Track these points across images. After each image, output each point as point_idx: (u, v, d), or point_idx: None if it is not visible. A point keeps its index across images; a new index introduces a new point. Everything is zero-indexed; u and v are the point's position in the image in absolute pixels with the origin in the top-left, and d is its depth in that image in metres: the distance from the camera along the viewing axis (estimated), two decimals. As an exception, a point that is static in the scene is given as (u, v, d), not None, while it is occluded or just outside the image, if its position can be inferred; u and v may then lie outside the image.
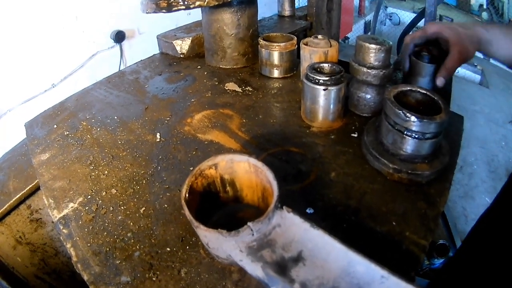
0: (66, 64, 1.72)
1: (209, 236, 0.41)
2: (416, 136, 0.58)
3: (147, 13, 0.80)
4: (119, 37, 1.87)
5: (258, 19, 1.20)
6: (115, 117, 0.85)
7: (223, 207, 0.54)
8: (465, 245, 0.92)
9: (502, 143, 2.33)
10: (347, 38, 3.81)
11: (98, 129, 0.82)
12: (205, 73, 1.03)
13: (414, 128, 0.58)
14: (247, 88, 0.93)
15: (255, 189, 0.50)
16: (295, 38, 0.95)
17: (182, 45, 1.10)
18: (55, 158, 0.75)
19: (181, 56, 1.13)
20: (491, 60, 2.82)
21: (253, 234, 0.37)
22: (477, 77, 2.91)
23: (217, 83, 0.97)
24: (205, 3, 0.77)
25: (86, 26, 1.73)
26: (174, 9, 0.75)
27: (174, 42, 1.10)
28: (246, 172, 0.49)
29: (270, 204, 0.39)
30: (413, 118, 0.57)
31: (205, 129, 0.79)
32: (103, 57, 1.87)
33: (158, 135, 0.77)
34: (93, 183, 0.67)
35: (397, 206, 0.58)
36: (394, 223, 0.55)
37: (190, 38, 1.11)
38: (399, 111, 0.58)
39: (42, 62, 1.61)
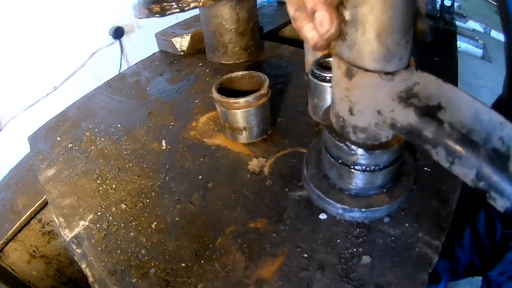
0: (66, 65, 1.70)
1: (364, 86, 0.42)
2: (367, 169, 0.49)
3: (139, 18, 0.77)
4: (118, 33, 1.85)
5: (258, 6, 1.16)
6: (119, 125, 0.84)
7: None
8: None
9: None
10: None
11: (102, 139, 0.80)
12: (207, 70, 1.01)
13: (363, 162, 0.49)
14: (251, 85, 0.90)
15: None
16: (267, 80, 0.69)
17: (182, 42, 1.07)
18: (61, 173, 0.74)
19: (181, 53, 1.10)
20: (492, 34, 2.74)
21: (406, 80, 0.40)
22: (479, 52, 2.82)
23: (220, 81, 0.95)
24: (200, 3, 0.74)
25: (83, 25, 1.70)
26: (168, 13, 0.73)
27: (173, 39, 1.07)
28: None
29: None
30: (360, 151, 0.47)
31: (211, 132, 0.77)
32: (103, 54, 1.85)
33: (163, 143, 0.76)
34: (101, 199, 0.66)
35: (409, 206, 0.56)
36: (407, 224, 0.54)
37: (189, 34, 1.07)
38: (341, 144, 0.49)
39: (42, 66, 1.59)
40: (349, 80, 0.42)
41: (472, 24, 2.90)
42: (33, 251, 0.87)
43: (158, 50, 1.16)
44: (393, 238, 0.52)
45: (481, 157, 0.35)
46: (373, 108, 0.43)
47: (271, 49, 1.07)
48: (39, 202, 0.80)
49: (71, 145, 0.81)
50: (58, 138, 0.84)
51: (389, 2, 0.35)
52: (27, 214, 0.79)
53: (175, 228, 0.59)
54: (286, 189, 0.62)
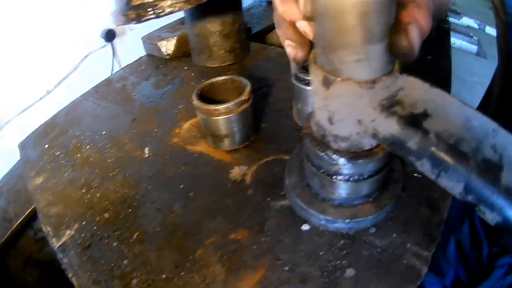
0: (58, 69, 1.69)
1: (342, 95, 0.40)
2: (351, 179, 0.47)
3: (117, 25, 0.77)
4: (110, 35, 1.83)
5: (247, 7, 1.15)
6: (103, 132, 0.84)
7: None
8: None
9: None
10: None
11: (88, 147, 0.81)
12: (192, 74, 1.00)
13: (346, 171, 0.46)
14: (236, 88, 0.90)
15: None
16: (248, 85, 0.68)
17: (168, 46, 1.07)
18: (48, 181, 0.74)
19: (167, 57, 1.09)
20: (486, 30, 2.70)
21: (388, 86, 0.38)
22: (474, 48, 2.79)
23: (205, 84, 0.94)
24: (177, 8, 0.73)
25: (75, 28, 1.69)
26: (143, 19, 0.72)
27: (158, 43, 1.06)
28: None
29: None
30: (341, 161, 0.45)
31: (194, 139, 0.77)
32: (95, 57, 1.83)
33: (146, 150, 0.76)
34: (86, 208, 0.67)
35: (398, 214, 0.55)
36: (394, 235, 0.53)
37: (175, 37, 1.07)
38: (322, 154, 0.46)
39: (34, 70, 1.58)
40: (326, 89, 0.40)
41: (466, 21, 2.87)
42: (27, 257, 0.88)
43: (145, 54, 1.16)
44: (379, 249, 0.51)
45: (470, 169, 0.33)
46: (354, 117, 0.41)
47: (258, 51, 1.06)
48: (29, 211, 0.80)
49: (58, 153, 0.81)
50: (46, 146, 0.84)
51: (331, 18, 0.34)
52: (19, 221, 0.80)
53: (156, 239, 0.59)
54: (268, 199, 0.61)
